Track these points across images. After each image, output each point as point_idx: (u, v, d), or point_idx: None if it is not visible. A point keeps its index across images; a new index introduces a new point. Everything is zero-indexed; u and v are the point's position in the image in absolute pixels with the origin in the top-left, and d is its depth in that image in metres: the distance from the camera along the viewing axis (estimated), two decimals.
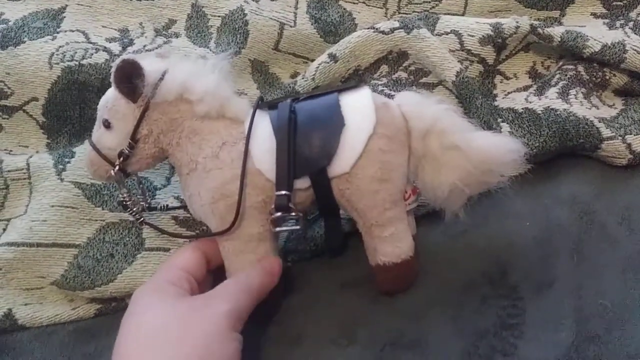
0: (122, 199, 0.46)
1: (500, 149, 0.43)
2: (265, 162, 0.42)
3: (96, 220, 0.51)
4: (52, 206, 0.51)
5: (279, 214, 0.43)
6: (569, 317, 0.45)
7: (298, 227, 0.44)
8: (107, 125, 0.43)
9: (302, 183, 0.43)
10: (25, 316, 0.49)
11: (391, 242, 0.44)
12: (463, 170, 0.43)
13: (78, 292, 0.49)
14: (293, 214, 0.43)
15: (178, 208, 0.51)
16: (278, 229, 0.44)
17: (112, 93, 0.43)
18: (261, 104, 0.45)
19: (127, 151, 0.43)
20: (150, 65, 0.42)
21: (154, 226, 0.47)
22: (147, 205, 0.49)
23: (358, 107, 0.43)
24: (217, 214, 0.43)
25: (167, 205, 0.50)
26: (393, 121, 0.43)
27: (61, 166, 0.53)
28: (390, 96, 0.56)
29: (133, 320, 0.39)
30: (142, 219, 0.47)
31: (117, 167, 0.43)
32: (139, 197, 0.49)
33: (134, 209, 0.46)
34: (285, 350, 0.46)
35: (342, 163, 0.42)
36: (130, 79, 0.41)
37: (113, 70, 0.41)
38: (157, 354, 0.37)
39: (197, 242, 0.46)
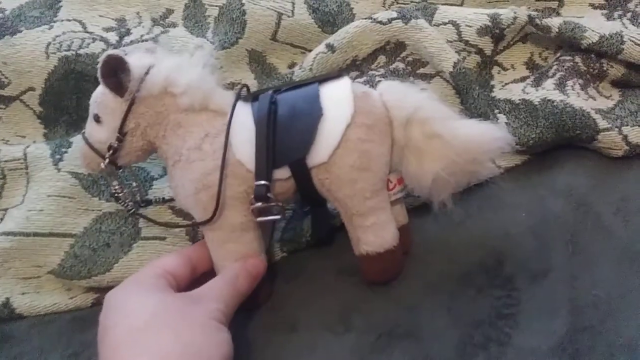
0: (113, 191, 0.47)
1: (485, 137, 0.43)
2: (246, 153, 0.43)
3: (93, 210, 0.51)
4: (49, 196, 0.51)
5: (259, 204, 0.43)
6: (563, 307, 0.45)
7: (278, 216, 0.44)
8: (97, 119, 0.44)
9: (282, 173, 0.43)
10: (23, 305, 0.49)
11: (373, 232, 0.45)
12: (446, 159, 0.43)
13: (75, 281, 0.49)
14: (273, 203, 0.43)
15: (173, 200, 0.51)
16: (259, 218, 0.44)
17: (101, 88, 0.43)
18: (245, 95, 0.46)
19: (115, 144, 0.43)
20: (136, 60, 0.43)
21: (145, 217, 0.48)
22: (142, 198, 0.49)
23: (337, 97, 0.44)
24: (200, 205, 0.43)
25: (163, 198, 0.51)
26: (373, 110, 0.44)
27: (58, 156, 0.53)
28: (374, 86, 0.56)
29: (121, 311, 0.39)
30: (133, 210, 0.47)
31: (107, 160, 0.44)
32: (134, 189, 0.49)
33: (126, 201, 0.47)
34: (281, 338, 0.46)
35: (320, 153, 0.42)
36: (115, 73, 0.42)
37: (99, 65, 0.41)
38: (154, 342, 0.37)
39: (183, 249, 0.47)
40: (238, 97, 0.44)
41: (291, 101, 0.44)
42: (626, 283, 0.46)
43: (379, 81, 0.57)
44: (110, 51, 0.42)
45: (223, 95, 0.45)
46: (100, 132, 0.44)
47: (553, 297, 0.46)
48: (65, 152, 0.53)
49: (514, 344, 0.44)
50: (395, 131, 0.44)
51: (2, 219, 0.52)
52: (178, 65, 0.43)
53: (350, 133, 0.42)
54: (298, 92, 0.45)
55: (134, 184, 0.49)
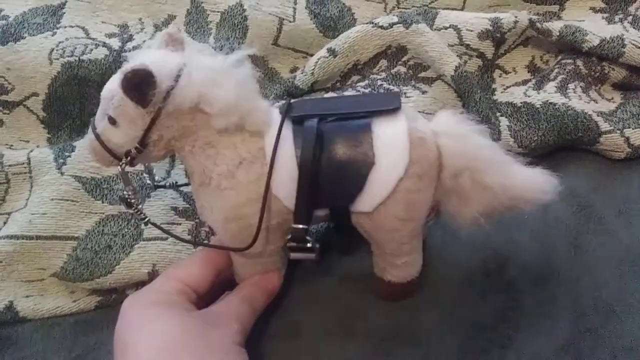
0: (126, 196, 0.42)
1: (535, 190, 0.41)
2: (284, 190, 0.39)
3: (96, 213, 0.51)
4: (52, 199, 0.51)
5: (294, 244, 0.42)
6: (565, 310, 0.45)
7: (313, 255, 0.42)
8: (112, 122, 0.38)
9: (321, 212, 0.41)
10: (27, 308, 0.49)
11: (403, 268, 0.44)
12: (489, 206, 0.41)
13: (78, 283, 0.49)
14: (310, 245, 0.41)
15: (187, 185, 0.51)
16: (293, 255, 0.43)
17: (117, 89, 0.37)
18: (285, 114, 0.40)
19: (134, 153, 0.39)
20: (162, 66, 0.37)
21: (161, 228, 0.43)
22: (154, 184, 0.48)
23: (392, 142, 0.39)
24: (228, 232, 0.41)
25: (175, 183, 0.49)
26: (427, 159, 0.40)
27: (61, 160, 0.53)
28: (408, 96, 0.56)
29: (140, 330, 0.38)
30: (147, 218, 0.43)
31: (123, 165, 0.40)
32: (145, 175, 0.47)
33: (138, 208, 0.43)
34: (284, 343, 0.46)
35: (366, 203, 0.39)
36: (140, 87, 0.36)
37: (121, 77, 0.36)
38: None
39: (208, 255, 0.44)
40: (281, 127, 0.39)
41: (340, 138, 0.39)
42: (628, 285, 0.46)
43: (410, 97, 0.56)
44: (136, 65, 0.36)
45: (261, 112, 0.40)
46: (116, 135, 0.39)
47: (555, 300, 0.46)
48: (69, 156, 0.53)
49: (516, 347, 0.44)
50: (445, 177, 0.41)
51: (5, 223, 0.52)
52: (212, 76, 0.37)
53: (400, 184, 0.39)
54: (348, 127, 0.40)
55: (147, 175, 0.47)
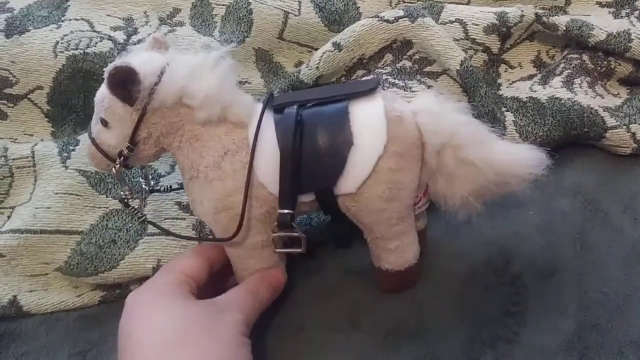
0: (123, 197, 0.44)
1: (521, 164, 0.41)
2: (268, 175, 0.40)
3: (100, 207, 0.51)
4: (56, 193, 0.51)
5: (280, 233, 0.42)
6: (571, 305, 0.45)
7: (300, 250, 0.43)
8: (104, 124, 0.41)
9: (306, 197, 0.41)
10: (31, 303, 0.49)
11: (396, 253, 0.44)
12: (477, 183, 0.41)
13: (82, 278, 0.49)
14: (296, 233, 0.42)
15: (181, 188, 0.50)
16: (280, 250, 0.44)
17: (107, 92, 0.40)
18: (269, 102, 0.42)
19: (126, 152, 0.41)
20: (146, 64, 0.39)
21: (157, 225, 0.45)
22: (149, 188, 0.48)
23: (369, 122, 0.40)
24: (219, 224, 0.42)
25: (170, 187, 0.50)
26: (406, 136, 0.40)
27: (66, 154, 0.53)
28: (403, 87, 0.56)
29: (144, 322, 0.39)
30: (143, 217, 0.45)
31: (117, 165, 0.42)
32: (141, 179, 0.48)
33: (136, 207, 0.45)
34: (289, 337, 0.46)
35: (348, 183, 0.40)
36: (124, 85, 0.38)
37: (106, 75, 0.38)
38: (181, 356, 0.37)
39: (200, 247, 0.46)
40: (263, 113, 0.41)
41: (319, 122, 0.40)
42: (634, 281, 0.46)
43: (415, 92, 0.56)
44: (119, 62, 0.38)
45: (243, 104, 0.41)
46: (109, 137, 0.41)
47: (561, 295, 0.46)
48: (73, 150, 0.53)
49: (522, 342, 0.44)
50: (427, 155, 0.41)
51: (9, 217, 0.52)
52: (193, 71, 0.40)
53: (381, 163, 0.39)
54: (326, 111, 0.41)
55: (142, 180, 0.48)
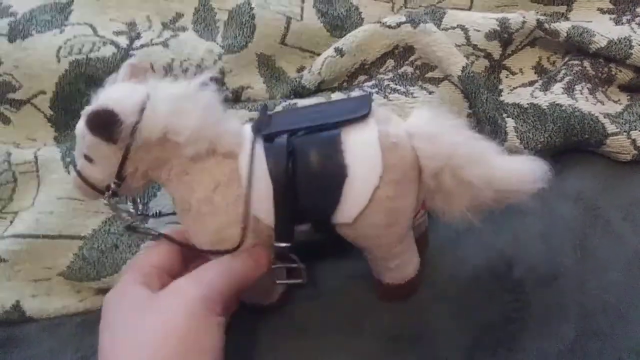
0: (127, 224, 0.43)
1: (521, 180, 0.40)
2: (262, 209, 0.39)
3: (102, 212, 0.51)
4: (59, 198, 0.51)
5: (279, 264, 0.42)
6: (572, 311, 0.45)
7: (300, 280, 0.43)
8: (89, 160, 0.39)
9: (302, 226, 0.41)
10: (33, 308, 0.49)
11: (397, 270, 0.44)
12: (475, 200, 0.40)
13: (84, 283, 0.49)
14: (295, 265, 0.42)
15: (171, 214, 0.49)
16: (279, 281, 0.43)
17: (88, 132, 0.38)
18: (254, 132, 0.40)
19: (114, 187, 0.39)
20: (124, 100, 0.37)
21: (173, 239, 0.43)
22: (137, 213, 0.46)
23: (362, 153, 0.39)
24: (215, 254, 0.41)
25: (159, 212, 0.48)
26: (402, 163, 0.39)
27: (68, 159, 0.53)
28: (405, 93, 0.55)
29: (108, 331, 0.38)
30: (157, 233, 0.43)
31: (106, 197, 0.40)
32: (130, 206, 0.45)
33: (146, 227, 0.44)
34: (291, 342, 0.46)
35: (345, 214, 0.39)
36: (105, 127, 0.37)
37: (84, 118, 0.37)
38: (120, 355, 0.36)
39: (174, 235, 0.44)
40: (254, 140, 0.39)
41: (311, 152, 0.39)
42: (635, 288, 0.46)
43: (417, 98, 0.56)
44: (97, 106, 0.37)
45: (230, 134, 0.39)
46: (94, 172, 0.40)
47: (562, 301, 0.46)
48: None
49: (523, 348, 0.44)
50: (425, 177, 0.40)
51: (12, 222, 0.52)
52: (176, 105, 0.37)
53: (378, 193, 0.38)
54: (318, 140, 0.39)
55: (131, 204, 0.45)
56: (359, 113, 0.39)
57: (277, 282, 0.43)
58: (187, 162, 0.39)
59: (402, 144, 0.39)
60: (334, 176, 0.38)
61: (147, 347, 0.36)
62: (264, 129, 0.40)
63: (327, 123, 0.40)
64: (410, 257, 0.44)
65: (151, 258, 0.42)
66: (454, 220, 0.41)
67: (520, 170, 0.40)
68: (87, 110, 0.37)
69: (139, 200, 0.46)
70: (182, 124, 0.37)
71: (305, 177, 0.39)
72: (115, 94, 0.38)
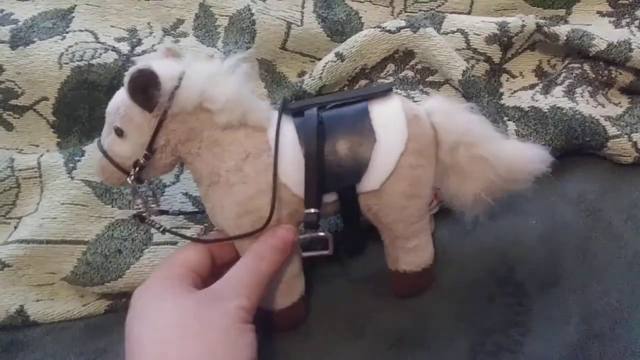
0: (138, 212, 0.44)
1: (528, 160, 0.43)
2: (291, 176, 0.40)
3: (106, 217, 0.51)
4: (63, 204, 0.51)
5: (307, 235, 0.42)
6: (574, 315, 0.45)
7: (326, 252, 0.43)
8: (119, 133, 0.40)
9: (329, 197, 0.41)
10: (37, 312, 0.49)
11: (414, 253, 0.45)
12: (488, 180, 0.42)
13: (88, 287, 0.49)
14: (322, 233, 0.42)
15: (191, 213, 0.51)
16: (306, 253, 0.44)
17: (122, 99, 0.39)
18: (285, 107, 0.42)
19: (142, 161, 0.40)
20: (164, 69, 0.39)
21: (178, 234, 0.45)
22: (157, 208, 0.47)
23: (389, 120, 0.41)
24: (241, 229, 0.41)
25: (179, 211, 0.49)
26: (424, 134, 0.42)
27: (72, 165, 0.53)
28: (405, 97, 0.56)
29: (144, 320, 0.39)
30: (162, 227, 0.44)
31: (132, 177, 0.41)
32: (149, 197, 0.46)
33: (152, 220, 0.44)
34: (294, 345, 0.46)
35: (372, 180, 0.41)
36: (145, 89, 0.38)
37: (127, 79, 0.38)
38: (177, 353, 0.36)
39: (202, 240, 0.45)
40: (281, 112, 0.41)
41: (339, 122, 0.41)
42: (637, 290, 0.46)
43: (418, 102, 0.56)
44: (140, 65, 0.38)
45: (261, 109, 0.41)
46: (123, 147, 0.40)
47: (564, 304, 0.46)
48: (79, 160, 0.54)
49: (525, 351, 0.44)
50: (442, 153, 0.43)
51: (16, 227, 0.52)
52: (212, 76, 0.39)
53: (403, 160, 0.41)
54: (346, 112, 0.42)
55: (150, 193, 0.46)
56: (382, 89, 0.43)
57: (304, 254, 0.43)
58: (219, 133, 0.40)
59: (423, 118, 0.42)
60: (364, 142, 0.41)
61: (189, 347, 0.37)
62: (291, 107, 0.43)
63: (353, 97, 0.43)
64: (427, 240, 0.45)
65: (180, 258, 0.43)
66: (466, 206, 0.43)
67: (526, 150, 0.43)
68: (130, 70, 0.38)
69: (156, 196, 0.47)
70: (217, 92, 0.39)
71: (335, 144, 0.41)
72: (155, 64, 0.39)
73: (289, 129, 0.41)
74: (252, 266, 0.41)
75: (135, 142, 0.40)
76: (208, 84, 0.39)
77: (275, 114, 0.42)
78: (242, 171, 0.40)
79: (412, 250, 0.44)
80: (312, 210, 0.40)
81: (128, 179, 0.41)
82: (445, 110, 0.43)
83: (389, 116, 0.41)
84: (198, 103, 0.39)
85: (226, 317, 0.38)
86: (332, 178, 0.41)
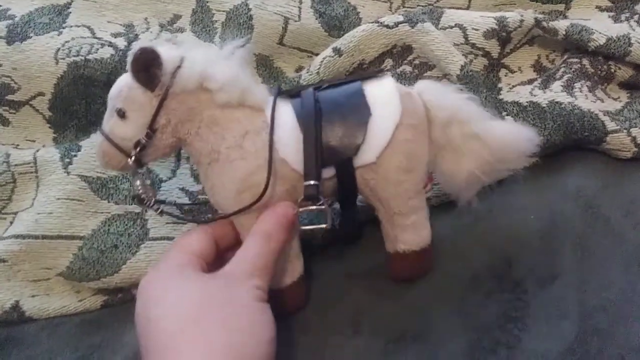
0: (137, 193, 0.44)
1: (519, 138, 0.44)
2: (290, 152, 0.41)
3: (102, 212, 0.51)
4: (58, 199, 0.51)
5: (307, 208, 0.42)
6: (572, 310, 0.45)
7: (324, 225, 0.43)
8: (121, 114, 0.41)
9: (327, 172, 0.42)
10: (33, 308, 0.49)
11: (412, 231, 0.45)
12: (482, 159, 0.44)
13: (84, 283, 0.49)
14: (322, 206, 0.42)
15: (189, 204, 0.51)
16: (305, 227, 0.44)
17: (125, 81, 0.41)
18: (281, 92, 0.44)
19: (144, 141, 0.41)
20: (166, 52, 0.40)
21: (175, 215, 0.47)
22: (155, 198, 0.46)
23: (383, 96, 0.43)
24: (241, 206, 0.42)
25: (175, 202, 0.50)
26: (417, 110, 0.43)
27: (67, 160, 0.53)
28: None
29: (161, 303, 0.38)
30: (160, 208, 0.45)
31: (133, 158, 0.41)
32: (148, 186, 0.46)
33: (151, 202, 0.44)
34: (292, 340, 0.46)
35: (368, 153, 0.42)
36: (148, 67, 0.39)
37: (130, 58, 0.39)
38: (204, 333, 0.36)
39: (206, 226, 0.45)
40: (277, 93, 0.43)
41: (335, 99, 0.43)
42: (636, 286, 0.46)
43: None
44: (143, 44, 0.40)
45: (259, 91, 0.43)
46: (124, 129, 0.41)
47: (562, 300, 0.46)
48: (75, 155, 0.54)
49: (523, 347, 0.44)
50: (434, 131, 0.44)
51: (12, 222, 0.52)
52: (212, 58, 0.41)
53: (398, 134, 0.42)
54: (341, 90, 0.44)
55: (148, 181, 0.46)
56: (375, 72, 0.45)
57: (302, 227, 0.44)
58: (218, 112, 0.42)
59: (415, 96, 0.44)
60: (360, 116, 0.42)
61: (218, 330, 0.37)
62: (288, 91, 0.45)
63: (347, 79, 0.45)
64: (425, 218, 0.46)
65: (186, 245, 0.43)
66: (461, 185, 0.45)
67: (516, 128, 0.45)
68: (133, 50, 0.40)
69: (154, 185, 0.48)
70: (217, 72, 0.41)
71: (332, 118, 0.42)
72: (158, 47, 0.40)
73: (286, 109, 0.43)
74: (260, 246, 0.41)
75: (136, 123, 0.41)
76: (208, 65, 0.41)
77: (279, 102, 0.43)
78: (242, 148, 0.41)
79: (410, 228, 0.44)
80: (312, 182, 0.41)
81: (129, 160, 0.42)
82: (435, 89, 0.45)
83: (382, 93, 0.43)
84: (199, 83, 0.41)
85: (245, 296, 0.38)
86: (330, 151, 0.42)
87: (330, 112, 0.42)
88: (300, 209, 0.43)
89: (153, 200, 0.44)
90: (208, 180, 0.43)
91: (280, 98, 0.43)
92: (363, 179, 0.43)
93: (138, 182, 0.44)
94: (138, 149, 0.41)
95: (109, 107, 0.42)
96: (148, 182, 0.46)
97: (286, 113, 0.42)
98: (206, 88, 0.41)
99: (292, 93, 0.44)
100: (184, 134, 0.42)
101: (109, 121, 0.42)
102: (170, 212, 0.45)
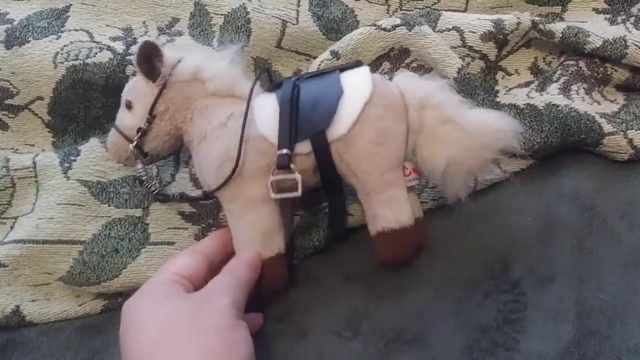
0: (138, 174, 0.49)
1: (495, 123, 0.45)
2: (269, 128, 0.45)
3: (102, 217, 0.51)
4: (59, 204, 0.51)
5: (278, 177, 0.44)
6: (570, 311, 0.45)
7: (296, 193, 0.45)
8: (128, 105, 0.48)
9: (304, 148, 0.45)
10: (33, 312, 0.49)
11: (389, 206, 0.45)
12: (459, 143, 0.44)
13: (84, 287, 0.49)
14: (293, 175, 0.44)
15: (192, 199, 0.52)
16: (277, 195, 0.45)
17: (135, 78, 0.48)
18: (269, 85, 0.50)
19: (145, 126, 0.47)
20: (167, 51, 0.47)
21: (170, 198, 0.50)
22: (160, 192, 0.50)
23: (356, 80, 0.46)
24: (222, 177, 0.45)
25: (178, 195, 0.51)
26: (390, 94, 0.46)
27: (67, 164, 0.53)
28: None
29: (137, 328, 0.39)
30: (157, 190, 0.49)
31: (135, 142, 0.47)
32: (154, 174, 0.51)
33: (151, 184, 0.49)
34: (290, 344, 0.46)
35: (339, 126, 0.45)
36: (150, 59, 0.46)
37: (135, 51, 0.46)
38: (170, 353, 0.37)
39: (196, 245, 0.47)
40: (259, 76, 0.48)
41: (313, 85, 0.47)
42: (633, 287, 0.46)
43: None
44: (147, 38, 0.47)
45: (248, 85, 0.47)
46: (130, 118, 0.48)
47: (560, 301, 0.46)
48: (74, 160, 0.54)
49: (521, 349, 0.44)
50: (410, 115, 0.46)
51: (12, 227, 0.52)
52: (207, 56, 0.48)
53: (368, 110, 0.45)
54: (319, 77, 0.48)
55: (155, 170, 0.52)
56: (353, 63, 0.49)
57: (273, 196, 0.45)
58: (209, 100, 0.47)
59: (390, 83, 0.47)
60: (332, 94, 0.45)
61: (186, 347, 0.37)
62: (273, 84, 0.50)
63: (326, 69, 0.50)
64: (403, 197, 0.46)
65: (172, 266, 0.44)
66: (442, 174, 0.45)
67: (492, 114, 0.46)
68: (138, 43, 0.47)
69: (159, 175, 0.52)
70: (210, 65, 0.47)
71: (308, 99, 0.46)
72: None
73: (270, 96, 0.47)
74: (230, 273, 0.43)
75: (139, 111, 0.47)
76: (204, 59, 0.48)
77: (260, 92, 0.49)
78: (226, 126, 0.46)
79: (386, 203, 0.45)
80: (284, 151, 0.44)
81: (130, 145, 0.47)
82: (410, 77, 0.48)
83: (356, 78, 0.47)
84: (193, 74, 0.47)
85: (217, 315, 0.39)
86: (304, 124, 0.45)
87: (307, 94, 0.46)
88: (272, 178, 0.45)
89: (153, 183, 0.49)
90: (197, 158, 0.47)
91: (266, 91, 0.49)
92: (338, 154, 0.45)
93: (140, 166, 0.49)
94: (139, 134, 0.47)
95: (121, 103, 0.48)
96: (155, 172, 0.51)
97: (269, 99, 0.47)
98: (200, 78, 0.47)
99: (278, 85, 0.48)
100: (180, 122, 0.48)
101: (120, 114, 0.48)
102: (167, 194, 0.50)
